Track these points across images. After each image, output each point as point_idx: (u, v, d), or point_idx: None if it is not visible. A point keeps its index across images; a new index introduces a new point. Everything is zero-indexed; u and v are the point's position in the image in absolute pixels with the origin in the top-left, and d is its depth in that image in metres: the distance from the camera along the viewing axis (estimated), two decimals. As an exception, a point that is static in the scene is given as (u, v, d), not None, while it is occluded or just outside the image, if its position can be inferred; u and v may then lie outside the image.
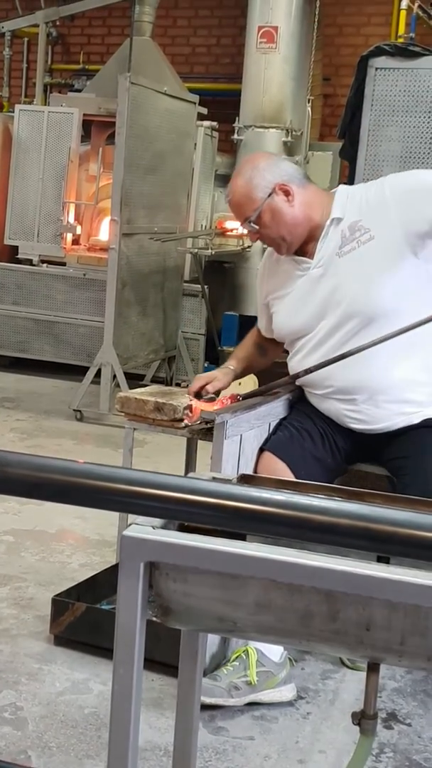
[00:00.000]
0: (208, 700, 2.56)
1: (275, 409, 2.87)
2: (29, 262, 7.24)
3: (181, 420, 2.84)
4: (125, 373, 5.83)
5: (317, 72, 8.00)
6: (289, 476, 2.68)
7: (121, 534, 1.30)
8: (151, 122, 6.02)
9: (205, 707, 2.51)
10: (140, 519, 1.32)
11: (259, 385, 2.98)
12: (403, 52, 4.21)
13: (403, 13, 7.22)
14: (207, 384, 2.84)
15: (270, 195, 2.69)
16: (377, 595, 1.21)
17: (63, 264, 7.19)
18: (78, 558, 3.67)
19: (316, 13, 7.19)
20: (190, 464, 3.28)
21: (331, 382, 2.73)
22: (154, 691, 2.66)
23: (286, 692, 2.69)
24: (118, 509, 1.26)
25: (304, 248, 2.77)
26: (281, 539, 1.25)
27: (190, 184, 6.86)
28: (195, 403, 2.78)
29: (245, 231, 2.92)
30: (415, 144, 4.13)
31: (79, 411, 5.93)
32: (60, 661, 2.83)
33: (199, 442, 3.08)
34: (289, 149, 7.19)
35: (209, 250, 6.60)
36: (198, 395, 2.82)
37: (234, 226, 6.70)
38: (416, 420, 2.71)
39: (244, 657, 2.69)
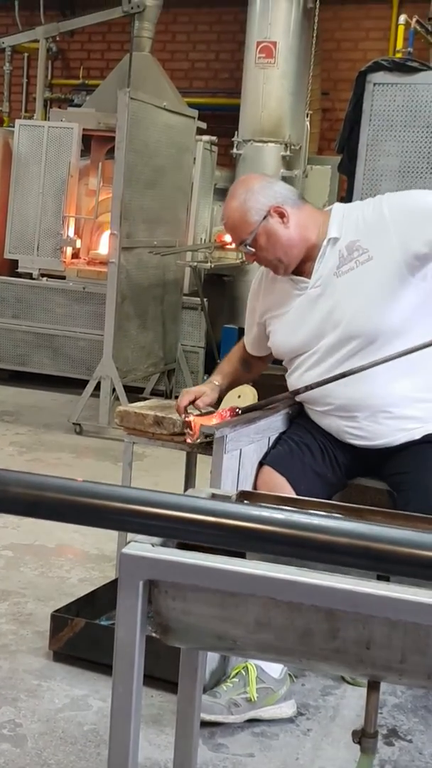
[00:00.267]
0: (207, 717, 2.54)
1: (275, 423, 2.87)
2: (29, 275, 7.25)
3: (181, 434, 2.84)
4: (125, 386, 5.83)
5: (316, 86, 8.03)
6: (289, 491, 2.68)
7: (121, 551, 1.29)
8: (150, 137, 6.04)
9: (204, 724, 2.50)
10: (139, 536, 1.32)
11: (259, 399, 2.97)
12: (401, 67, 4.23)
13: (401, 28, 7.26)
14: (196, 399, 2.84)
15: (265, 218, 2.69)
16: (377, 614, 1.20)
17: (63, 278, 7.20)
18: (77, 573, 3.66)
19: (315, 28, 7.23)
20: (189, 478, 3.28)
21: (331, 400, 2.73)
22: (153, 708, 2.65)
23: (287, 708, 2.68)
24: (116, 528, 1.26)
25: (300, 268, 2.77)
26: (281, 557, 1.24)
27: (190, 198, 6.88)
28: (194, 419, 2.78)
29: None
30: (413, 159, 4.14)
31: (79, 424, 5.93)
32: (59, 677, 2.82)
33: (199, 455, 3.08)
34: (288, 163, 7.22)
35: (208, 264, 6.61)
36: (186, 410, 2.83)
37: (230, 237, 6.70)
38: (418, 435, 2.70)
39: (244, 673, 2.68)
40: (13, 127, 7.44)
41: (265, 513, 1.17)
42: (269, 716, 2.65)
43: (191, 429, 2.77)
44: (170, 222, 6.50)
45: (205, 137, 7.15)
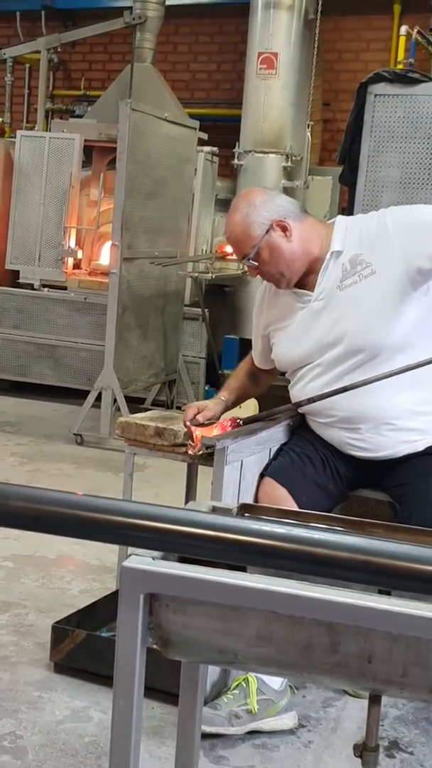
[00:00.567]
0: (208, 729, 2.54)
1: (276, 435, 2.86)
2: (30, 286, 7.26)
3: (183, 445, 2.83)
4: (126, 397, 5.83)
5: (317, 97, 8.05)
6: (290, 502, 2.68)
7: (121, 565, 1.29)
8: (151, 148, 6.05)
9: (205, 736, 2.49)
10: (140, 549, 1.32)
11: (261, 410, 2.97)
12: (402, 78, 4.24)
13: (402, 39, 7.27)
14: (198, 413, 2.84)
15: (267, 232, 2.68)
16: (378, 627, 1.20)
17: (64, 288, 7.20)
18: (78, 584, 3.66)
19: (316, 39, 7.24)
20: (190, 489, 3.28)
21: (334, 412, 2.73)
22: (154, 720, 2.65)
23: (287, 720, 2.67)
24: (117, 542, 1.26)
25: (303, 280, 2.76)
26: (282, 570, 1.24)
27: (191, 208, 6.89)
28: (195, 430, 2.77)
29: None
30: (414, 170, 4.15)
31: (80, 435, 5.93)
32: (60, 688, 2.82)
33: (200, 466, 3.07)
34: (289, 174, 7.23)
35: (210, 274, 6.62)
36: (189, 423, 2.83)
37: (232, 251, 6.71)
38: (420, 447, 2.70)
39: (245, 685, 2.67)
40: (15, 137, 7.46)
41: (266, 527, 1.17)
42: (270, 728, 2.64)
43: (193, 440, 2.77)
44: (171, 233, 6.51)
45: (207, 148, 7.16)
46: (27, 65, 10.32)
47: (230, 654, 1.31)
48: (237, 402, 3.01)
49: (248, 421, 2.82)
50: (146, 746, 2.48)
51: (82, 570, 3.82)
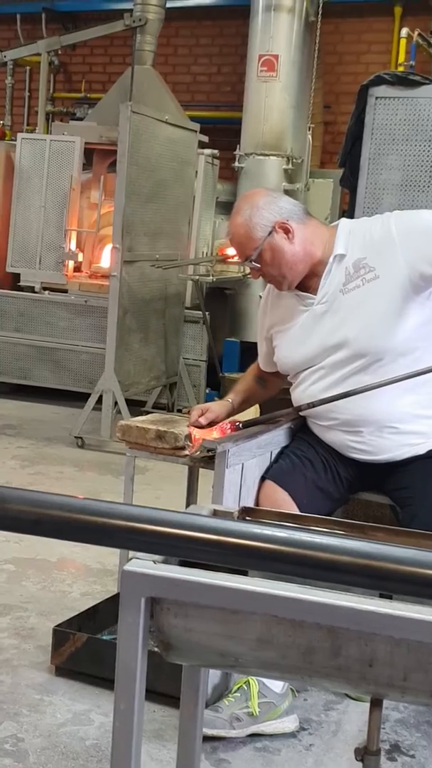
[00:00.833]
0: (209, 732, 2.53)
1: (277, 438, 2.86)
2: (31, 289, 7.27)
3: (183, 448, 2.83)
4: (127, 400, 5.83)
5: (318, 100, 8.06)
6: (291, 505, 2.67)
7: (122, 569, 1.29)
8: (152, 150, 6.06)
9: (206, 739, 2.49)
10: (141, 552, 1.32)
11: (262, 413, 2.97)
12: (403, 81, 4.23)
13: (403, 42, 7.28)
14: (202, 414, 2.84)
15: (270, 233, 2.68)
16: (380, 631, 1.20)
17: (65, 291, 7.21)
18: (79, 587, 3.66)
19: (317, 41, 7.25)
20: (191, 492, 3.28)
21: (336, 415, 2.72)
22: (155, 722, 2.64)
23: (289, 723, 2.67)
24: (117, 546, 1.26)
25: (306, 283, 2.76)
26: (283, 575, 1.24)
27: (191, 211, 6.89)
28: (194, 431, 2.78)
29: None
30: (415, 173, 4.15)
31: (81, 438, 5.92)
32: (61, 692, 2.82)
33: (201, 469, 3.07)
34: (290, 177, 7.23)
35: (210, 277, 6.62)
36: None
37: (235, 252, 6.71)
38: (422, 451, 2.70)
39: (246, 688, 2.67)
40: (15, 140, 7.47)
41: (267, 531, 1.17)
42: (271, 731, 2.64)
43: (191, 441, 2.77)
44: (172, 235, 6.51)
45: (207, 150, 7.17)
46: (27, 68, 10.34)
47: (231, 658, 1.31)
48: (244, 405, 3.01)
49: (248, 424, 2.82)
50: (147, 749, 2.48)
51: (83, 573, 3.81)
